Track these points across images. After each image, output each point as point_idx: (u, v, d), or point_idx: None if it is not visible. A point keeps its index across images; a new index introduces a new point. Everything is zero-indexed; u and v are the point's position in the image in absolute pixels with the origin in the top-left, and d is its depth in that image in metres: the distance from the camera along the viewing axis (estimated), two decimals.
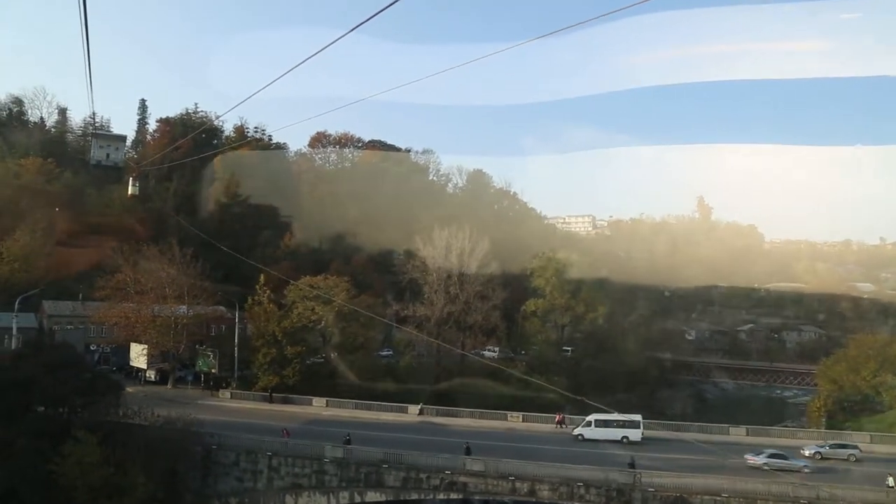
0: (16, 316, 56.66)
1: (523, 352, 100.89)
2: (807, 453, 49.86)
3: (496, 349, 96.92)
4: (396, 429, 55.12)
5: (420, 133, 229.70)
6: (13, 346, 54.07)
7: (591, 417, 52.82)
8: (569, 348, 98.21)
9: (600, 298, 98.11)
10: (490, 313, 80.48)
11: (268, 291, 72.27)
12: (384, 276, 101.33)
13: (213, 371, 66.73)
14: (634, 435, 51.98)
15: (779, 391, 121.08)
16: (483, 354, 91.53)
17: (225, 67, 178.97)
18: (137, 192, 37.74)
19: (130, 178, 37.58)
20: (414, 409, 60.22)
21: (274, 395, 63.92)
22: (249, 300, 72.53)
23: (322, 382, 65.43)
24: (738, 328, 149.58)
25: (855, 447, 51.49)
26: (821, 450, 50.80)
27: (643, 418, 55.43)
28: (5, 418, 41.22)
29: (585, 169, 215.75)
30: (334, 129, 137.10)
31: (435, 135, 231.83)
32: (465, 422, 59.70)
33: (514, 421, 59.92)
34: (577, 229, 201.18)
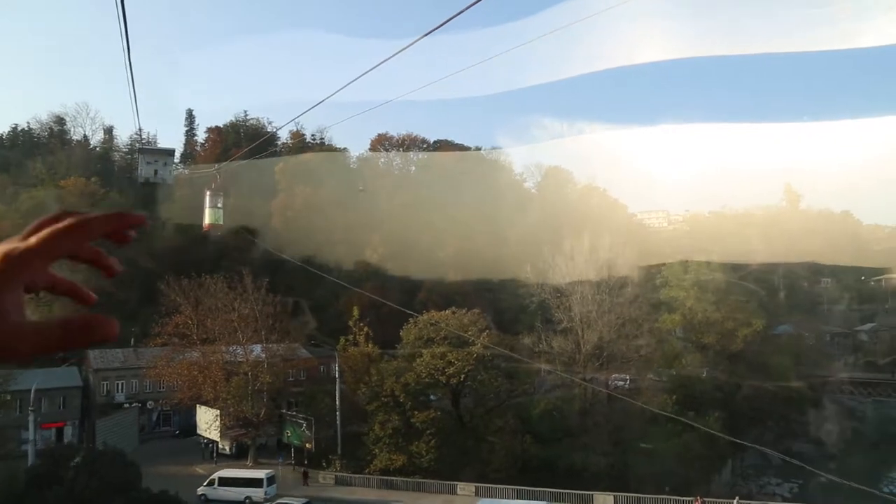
0: (33, 410, 35.95)
1: (651, 377, 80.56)
2: None
3: (626, 377, 76.78)
4: None
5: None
6: (31, 442, 34.68)
7: (216, 475, 44.40)
8: (703, 370, 78.21)
9: (752, 310, 77.99)
10: (646, 341, 59.83)
11: (365, 328, 53.96)
12: (481, 294, 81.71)
13: (308, 446, 47.05)
14: (258, 495, 42.70)
15: None
16: (620, 388, 71.49)
17: (266, 73, 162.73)
18: (221, 221, 17.00)
19: (208, 196, 16.91)
20: (603, 498, 39.92)
21: (397, 478, 43.87)
22: (342, 340, 54.11)
23: (461, 458, 44.74)
24: (857, 328, 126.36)
25: None
26: None
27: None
28: None
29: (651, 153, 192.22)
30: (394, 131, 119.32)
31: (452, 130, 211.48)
32: None
33: None
34: (651, 225, 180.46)
